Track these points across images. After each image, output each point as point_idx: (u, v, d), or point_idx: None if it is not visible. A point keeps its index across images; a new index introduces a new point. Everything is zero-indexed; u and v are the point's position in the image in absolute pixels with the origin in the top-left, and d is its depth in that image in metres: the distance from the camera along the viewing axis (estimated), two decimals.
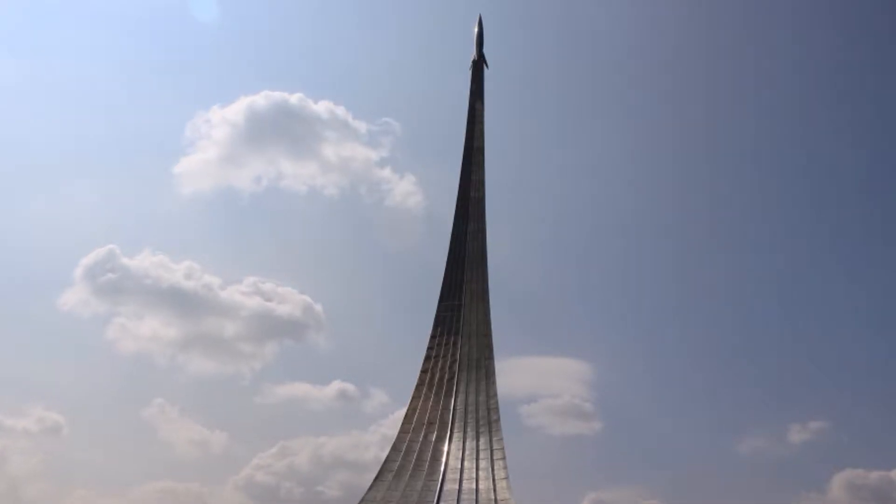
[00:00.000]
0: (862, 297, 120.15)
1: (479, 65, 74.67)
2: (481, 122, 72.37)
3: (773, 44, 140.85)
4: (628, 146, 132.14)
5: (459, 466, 57.01)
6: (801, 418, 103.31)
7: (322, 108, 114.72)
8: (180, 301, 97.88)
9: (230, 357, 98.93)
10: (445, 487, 55.47)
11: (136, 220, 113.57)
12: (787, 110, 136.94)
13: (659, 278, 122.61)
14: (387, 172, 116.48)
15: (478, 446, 58.16)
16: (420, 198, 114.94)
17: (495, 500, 54.78)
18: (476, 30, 76.07)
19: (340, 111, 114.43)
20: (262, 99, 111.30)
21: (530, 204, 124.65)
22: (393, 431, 62.25)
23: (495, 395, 61.18)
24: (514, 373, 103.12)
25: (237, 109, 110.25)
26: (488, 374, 62.15)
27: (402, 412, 62.01)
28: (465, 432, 59.27)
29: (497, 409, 60.52)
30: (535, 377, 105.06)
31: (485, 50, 74.67)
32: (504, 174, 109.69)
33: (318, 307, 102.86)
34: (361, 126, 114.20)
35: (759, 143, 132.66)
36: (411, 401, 61.90)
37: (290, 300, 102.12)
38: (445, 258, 67.52)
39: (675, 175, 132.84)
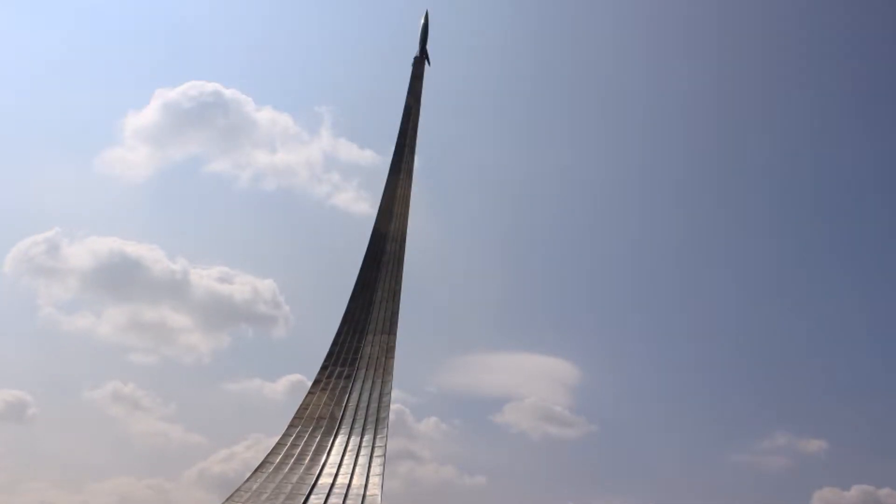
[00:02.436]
0: (868, 307, 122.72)
1: (420, 62, 79.32)
2: (415, 120, 76.74)
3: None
4: (614, 138, 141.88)
5: (338, 461, 60.03)
6: (797, 432, 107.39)
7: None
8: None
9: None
10: (320, 481, 58.22)
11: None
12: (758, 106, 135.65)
13: (655, 278, 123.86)
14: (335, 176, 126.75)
15: (360, 443, 61.20)
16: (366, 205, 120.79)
17: (364, 495, 57.35)
18: (421, 24, 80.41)
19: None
20: (210, 96, 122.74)
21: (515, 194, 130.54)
22: None
23: (389, 393, 64.23)
24: (489, 370, 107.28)
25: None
26: (385, 373, 65.42)
27: None
28: (351, 428, 62.51)
29: (388, 407, 63.43)
30: (514, 376, 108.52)
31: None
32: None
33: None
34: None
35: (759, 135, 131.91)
36: (306, 396, 65.41)
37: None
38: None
39: (674, 172, 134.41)
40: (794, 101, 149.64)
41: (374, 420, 62.48)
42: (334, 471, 59.50)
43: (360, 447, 60.85)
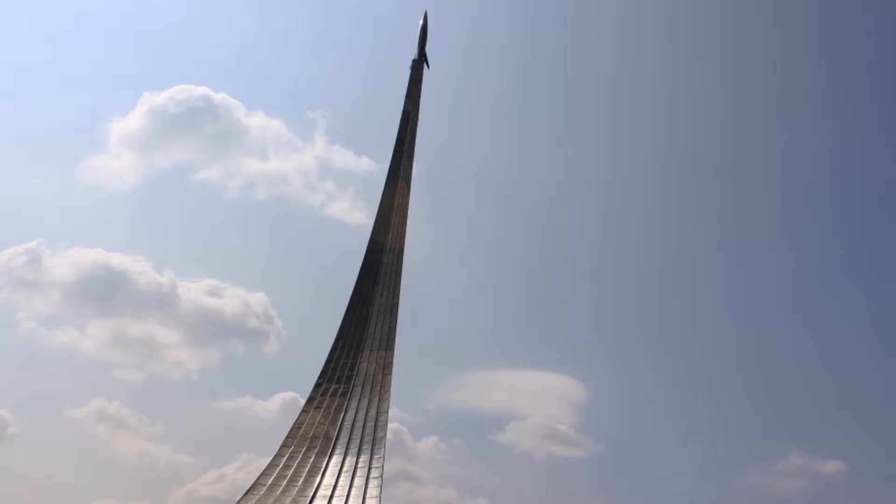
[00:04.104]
0: (889, 320, 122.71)
1: (418, 64, 79.73)
2: (414, 126, 77.30)
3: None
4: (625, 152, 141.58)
5: (333, 483, 60.26)
6: (815, 453, 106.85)
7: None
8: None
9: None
10: None
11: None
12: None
13: (663, 291, 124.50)
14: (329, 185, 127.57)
15: (356, 464, 61.18)
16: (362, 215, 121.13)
17: None
18: (420, 25, 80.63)
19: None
20: (198, 101, 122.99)
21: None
22: None
23: (386, 411, 64.33)
24: (491, 388, 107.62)
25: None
26: (382, 390, 65.63)
27: None
28: (347, 448, 62.50)
29: (385, 426, 63.50)
30: (517, 394, 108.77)
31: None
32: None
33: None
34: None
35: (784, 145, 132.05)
36: (299, 415, 65.23)
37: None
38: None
39: (682, 181, 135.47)
40: (809, 101, 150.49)
41: (371, 440, 62.45)
42: (329, 493, 59.36)
43: (355, 468, 60.74)
